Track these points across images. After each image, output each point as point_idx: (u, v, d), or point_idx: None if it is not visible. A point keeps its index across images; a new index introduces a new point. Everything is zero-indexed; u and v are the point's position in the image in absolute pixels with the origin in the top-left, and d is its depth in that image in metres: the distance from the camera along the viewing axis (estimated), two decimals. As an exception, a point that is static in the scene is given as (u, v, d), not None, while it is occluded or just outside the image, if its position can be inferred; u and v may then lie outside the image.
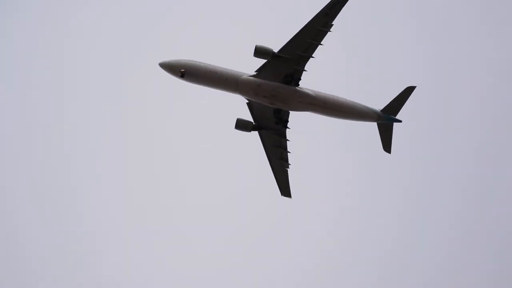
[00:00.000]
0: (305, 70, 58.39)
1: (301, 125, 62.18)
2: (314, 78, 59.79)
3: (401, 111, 61.47)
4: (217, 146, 69.14)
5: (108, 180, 72.55)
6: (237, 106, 60.77)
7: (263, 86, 58.85)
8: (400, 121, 61.95)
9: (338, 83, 63.26)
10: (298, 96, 59.14)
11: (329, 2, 55.90)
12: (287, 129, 61.08)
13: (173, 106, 68.59)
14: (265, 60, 57.94)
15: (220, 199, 71.50)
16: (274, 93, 58.99)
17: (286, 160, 62.24)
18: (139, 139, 73.19)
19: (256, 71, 58.99)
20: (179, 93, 64.17)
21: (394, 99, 61.47)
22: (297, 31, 56.84)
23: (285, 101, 59.32)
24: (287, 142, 61.45)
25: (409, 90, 61.18)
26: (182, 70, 58.84)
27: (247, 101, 60.38)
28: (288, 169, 62.56)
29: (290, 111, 60.34)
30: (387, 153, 62.25)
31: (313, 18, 56.57)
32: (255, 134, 61.21)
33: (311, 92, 59.54)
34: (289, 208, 64.41)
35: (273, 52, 57.57)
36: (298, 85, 59.13)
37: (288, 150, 61.78)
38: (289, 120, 60.70)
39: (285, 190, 63.27)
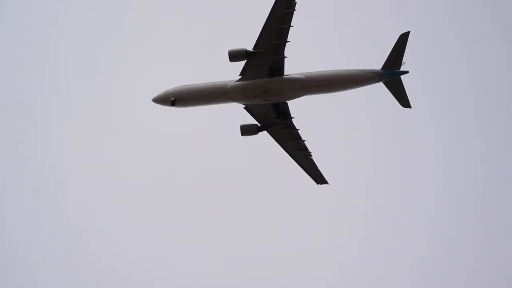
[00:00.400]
0: (286, 57, 55.75)
1: (309, 110, 59.80)
2: (299, 61, 57.15)
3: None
4: (234, 157, 67.76)
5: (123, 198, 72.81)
6: (238, 114, 59.26)
7: (250, 86, 56.92)
8: (407, 72, 57.63)
9: (326, 57, 59.86)
10: (288, 84, 56.66)
11: None
12: (293, 119, 58.71)
13: (172, 131, 67.66)
14: (245, 61, 56.11)
15: (256, 202, 70.11)
16: (263, 89, 56.90)
17: (306, 148, 59.77)
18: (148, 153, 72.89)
19: (240, 75, 57.19)
20: (174, 120, 63.54)
21: (391, 51, 57.00)
22: (264, 22, 54.48)
23: (278, 93, 57.01)
24: (298, 131, 59.12)
25: (403, 38, 56.62)
26: (172, 98, 58.26)
27: (244, 106, 58.71)
28: (312, 157, 60.22)
29: (287, 102, 58.01)
30: (408, 109, 58.37)
31: (275, 4, 53.78)
32: (264, 135, 59.48)
33: (300, 76, 56.84)
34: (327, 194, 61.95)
35: (248, 51, 55.48)
36: (283, 73, 56.61)
37: (304, 138, 59.46)
38: (289, 110, 58.26)
39: (319, 178, 60.85)
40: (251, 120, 58.94)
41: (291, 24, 54.36)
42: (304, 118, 59.05)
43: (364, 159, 67.16)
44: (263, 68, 56.25)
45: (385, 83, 57.56)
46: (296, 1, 53.66)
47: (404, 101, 58.17)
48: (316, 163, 60.29)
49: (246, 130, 58.70)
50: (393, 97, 57.74)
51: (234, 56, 55.43)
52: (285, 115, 58.53)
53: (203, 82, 58.16)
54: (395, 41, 56.54)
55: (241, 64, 56.43)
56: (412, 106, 57.94)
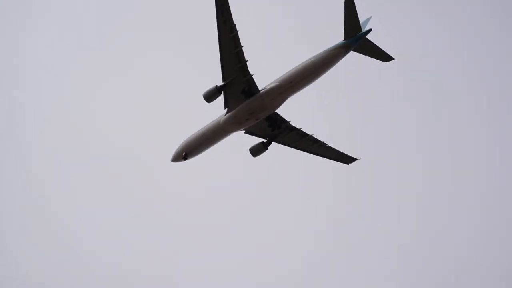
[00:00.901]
0: (253, 74, 57.21)
1: (301, 106, 61.08)
2: (266, 72, 58.58)
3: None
4: (261, 178, 69.70)
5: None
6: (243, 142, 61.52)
7: (238, 114, 58.70)
8: (370, 30, 57.45)
9: (288, 57, 60.57)
10: (266, 97, 57.98)
11: (216, 11, 54.50)
12: (290, 122, 60.17)
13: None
14: (221, 95, 58.13)
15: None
16: (250, 111, 58.49)
17: (318, 140, 61.16)
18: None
19: (225, 108, 59.29)
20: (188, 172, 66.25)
21: (344, 19, 56.72)
22: (219, 54, 56.23)
23: (263, 109, 58.49)
24: (301, 129, 60.50)
25: (349, 1, 56.36)
26: (183, 154, 61.13)
27: (243, 131, 60.79)
28: (328, 145, 61.47)
29: (275, 111, 59.49)
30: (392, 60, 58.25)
31: (218, 34, 55.32)
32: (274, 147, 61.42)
33: (274, 84, 58.08)
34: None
35: (218, 86, 57.41)
36: (258, 90, 58.01)
37: (311, 133, 60.86)
38: (281, 117, 59.69)
39: (345, 159, 62.07)
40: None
41: (242, 44, 55.84)
42: (301, 116, 60.49)
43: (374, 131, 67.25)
44: (238, 94, 58.00)
45: (355, 51, 57.62)
46: (235, 24, 55.06)
47: (383, 56, 58.11)
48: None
49: (256, 151, 60.85)
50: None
51: (209, 97, 57.51)
52: (279, 124, 60.09)
53: (199, 128, 60.88)
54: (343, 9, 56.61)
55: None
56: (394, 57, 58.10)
